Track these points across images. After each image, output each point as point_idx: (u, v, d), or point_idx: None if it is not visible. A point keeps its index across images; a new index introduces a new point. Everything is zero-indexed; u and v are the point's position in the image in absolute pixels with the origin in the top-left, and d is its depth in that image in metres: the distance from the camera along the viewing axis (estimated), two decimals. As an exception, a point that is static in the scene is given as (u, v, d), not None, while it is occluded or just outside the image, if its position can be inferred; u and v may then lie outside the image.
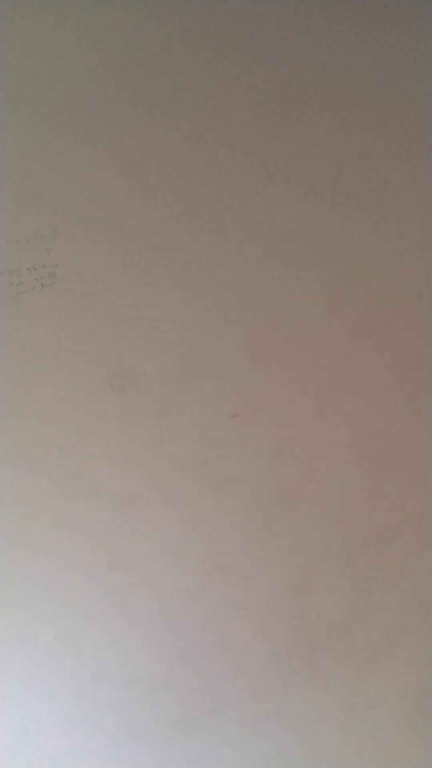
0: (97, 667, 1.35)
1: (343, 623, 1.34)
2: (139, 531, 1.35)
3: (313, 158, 1.38)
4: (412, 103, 1.39)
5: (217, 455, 1.35)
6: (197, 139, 1.39)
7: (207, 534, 1.35)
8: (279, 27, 1.39)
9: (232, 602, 1.34)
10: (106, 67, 1.40)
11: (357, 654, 1.33)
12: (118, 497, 1.36)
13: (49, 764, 1.34)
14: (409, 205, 1.38)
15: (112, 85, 1.40)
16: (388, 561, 1.34)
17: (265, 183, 1.38)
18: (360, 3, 1.39)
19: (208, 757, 1.34)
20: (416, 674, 1.33)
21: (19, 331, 1.38)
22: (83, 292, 1.38)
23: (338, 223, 1.37)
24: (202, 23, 1.40)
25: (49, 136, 1.40)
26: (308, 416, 1.35)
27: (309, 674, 1.34)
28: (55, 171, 1.39)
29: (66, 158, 1.39)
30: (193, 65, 1.39)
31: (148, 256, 1.38)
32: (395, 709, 1.33)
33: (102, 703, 1.35)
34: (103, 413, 1.37)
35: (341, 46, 1.39)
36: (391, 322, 1.36)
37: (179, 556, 1.35)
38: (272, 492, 1.34)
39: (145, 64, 1.40)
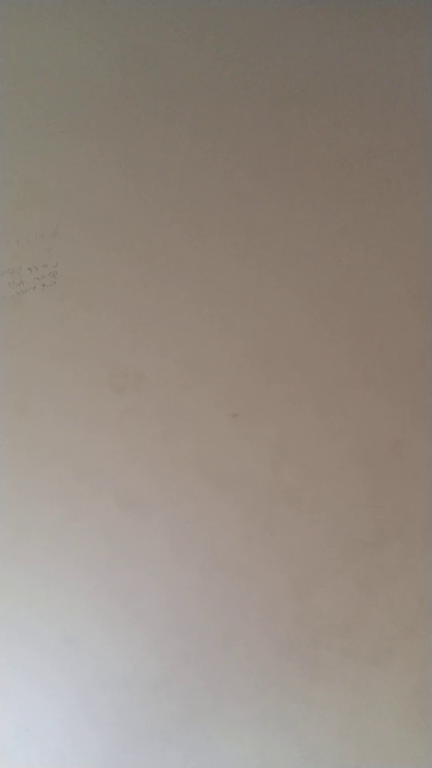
0: (99, 665, 1.35)
1: (345, 622, 1.34)
2: (141, 530, 1.35)
3: (314, 158, 1.38)
4: (412, 103, 1.39)
5: (219, 455, 1.35)
6: (198, 138, 1.39)
7: (209, 533, 1.35)
8: (279, 27, 1.40)
9: (233, 601, 1.34)
10: (106, 67, 1.40)
11: (358, 653, 1.33)
12: (120, 496, 1.36)
13: (49, 763, 1.34)
14: (410, 204, 1.38)
15: (112, 84, 1.40)
16: (390, 560, 1.34)
17: (266, 183, 1.38)
18: (360, 3, 1.39)
19: (209, 756, 1.34)
20: (417, 674, 1.33)
21: (20, 330, 1.38)
22: (84, 291, 1.38)
23: (339, 223, 1.38)
24: (203, 23, 1.40)
25: (49, 136, 1.40)
26: (309, 416, 1.36)
27: (310, 673, 1.34)
28: (55, 171, 1.39)
29: (67, 158, 1.39)
30: (194, 65, 1.40)
31: (149, 256, 1.38)
32: (395, 709, 1.33)
33: (103, 702, 1.35)
34: (104, 413, 1.36)
35: (341, 45, 1.39)
36: (392, 322, 1.37)
37: (181, 554, 1.35)
38: (274, 491, 1.35)
39: (146, 64, 1.40)
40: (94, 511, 1.36)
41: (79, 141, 1.40)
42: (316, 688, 1.34)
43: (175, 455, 1.35)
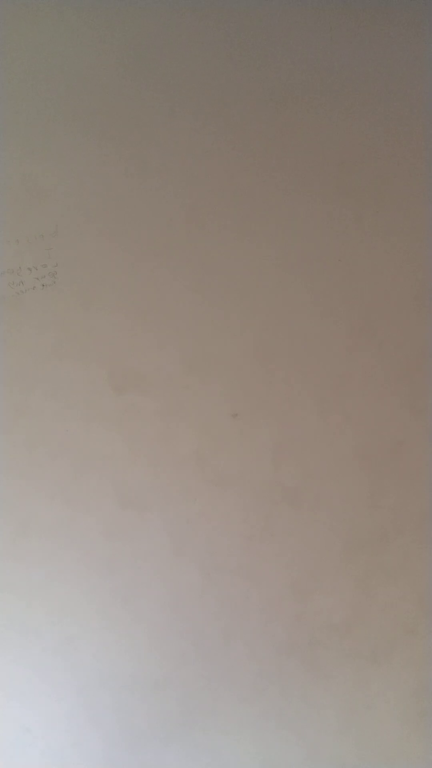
0: (99, 665, 1.35)
1: (344, 622, 1.34)
2: (140, 530, 1.35)
3: (314, 157, 1.38)
4: (412, 103, 1.39)
5: (219, 454, 1.35)
6: (198, 138, 1.39)
7: (208, 533, 1.35)
8: (279, 27, 1.40)
9: (233, 601, 1.34)
10: (106, 65, 1.40)
11: (357, 653, 1.33)
12: (120, 496, 1.36)
13: (50, 762, 1.34)
14: (409, 204, 1.38)
15: (112, 83, 1.40)
16: (389, 560, 1.34)
17: (266, 182, 1.38)
18: (360, 3, 1.39)
19: (209, 756, 1.34)
20: (416, 674, 1.33)
21: (20, 330, 1.38)
22: (84, 291, 1.38)
23: (339, 223, 1.37)
24: (204, 23, 1.40)
25: (49, 136, 1.40)
26: (309, 416, 1.36)
27: (309, 673, 1.34)
28: (55, 170, 1.39)
29: (66, 157, 1.39)
30: (195, 64, 1.39)
31: (149, 256, 1.38)
32: (395, 709, 1.33)
33: (103, 702, 1.35)
34: (104, 412, 1.36)
35: (341, 45, 1.39)
36: (392, 322, 1.37)
37: (181, 555, 1.35)
38: (273, 491, 1.35)
39: (146, 63, 1.40)
40: (94, 511, 1.36)
41: (79, 140, 1.40)
42: (316, 688, 1.34)
43: (175, 455, 1.36)
